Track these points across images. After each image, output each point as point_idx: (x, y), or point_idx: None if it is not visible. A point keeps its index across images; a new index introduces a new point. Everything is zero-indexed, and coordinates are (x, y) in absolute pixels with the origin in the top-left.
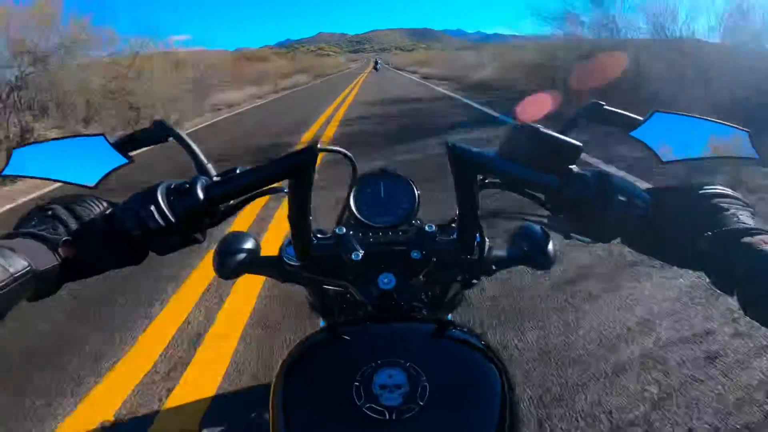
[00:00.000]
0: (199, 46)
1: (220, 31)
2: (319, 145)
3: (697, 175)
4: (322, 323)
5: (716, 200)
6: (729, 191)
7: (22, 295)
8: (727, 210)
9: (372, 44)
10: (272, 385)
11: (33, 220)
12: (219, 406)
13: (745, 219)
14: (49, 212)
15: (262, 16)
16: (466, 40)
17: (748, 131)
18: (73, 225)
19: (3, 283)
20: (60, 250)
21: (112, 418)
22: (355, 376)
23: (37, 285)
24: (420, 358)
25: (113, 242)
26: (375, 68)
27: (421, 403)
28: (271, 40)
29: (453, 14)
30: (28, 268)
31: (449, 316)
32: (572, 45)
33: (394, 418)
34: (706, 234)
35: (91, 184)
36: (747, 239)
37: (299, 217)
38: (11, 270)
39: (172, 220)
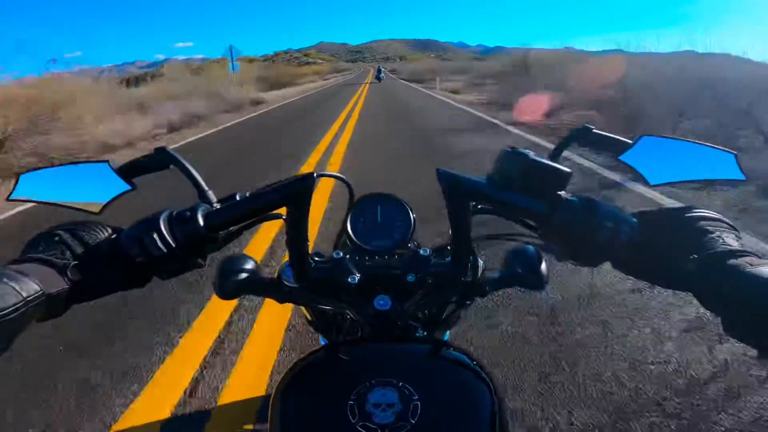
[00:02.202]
0: (201, 54)
1: (222, 42)
2: (317, 173)
3: None
4: (321, 339)
5: (702, 223)
6: (715, 214)
7: (33, 318)
8: (713, 233)
9: (373, 54)
10: (271, 401)
11: (40, 245)
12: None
13: (731, 241)
14: (56, 238)
15: (265, 24)
16: (469, 51)
17: (735, 153)
18: (79, 250)
19: (17, 307)
20: (69, 274)
21: None
22: (350, 395)
23: (48, 307)
24: (412, 378)
25: (118, 267)
26: (377, 78)
27: (413, 422)
28: (270, 49)
29: (454, 27)
30: (40, 292)
31: (447, 334)
32: None
33: None
34: (692, 256)
35: (96, 210)
36: (733, 261)
37: (297, 241)
38: (24, 294)
39: (174, 246)
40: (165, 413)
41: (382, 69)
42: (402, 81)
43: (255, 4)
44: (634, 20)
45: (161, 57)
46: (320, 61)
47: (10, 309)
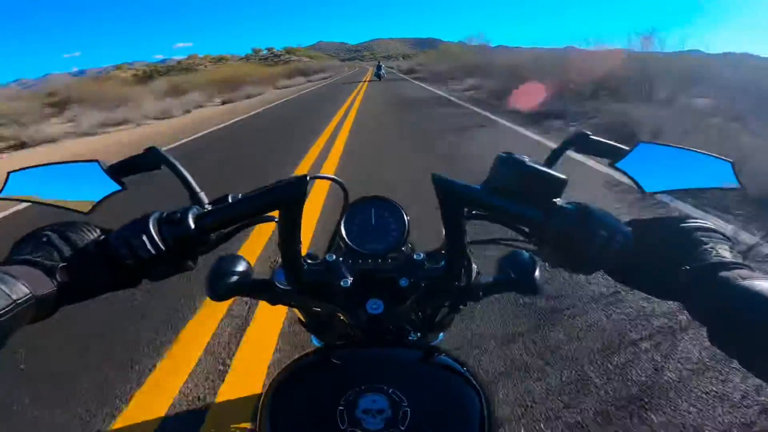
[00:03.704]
0: (200, 53)
1: (220, 39)
2: (310, 175)
3: None
4: (314, 339)
5: (696, 234)
6: (709, 224)
7: (23, 320)
8: (707, 244)
9: (373, 53)
10: (260, 404)
11: (28, 247)
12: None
13: (724, 253)
14: (44, 239)
15: (263, 22)
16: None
17: (731, 161)
18: (68, 251)
19: (6, 309)
20: (57, 276)
21: None
22: (340, 401)
23: (36, 310)
24: (402, 384)
25: (107, 268)
26: (377, 75)
27: (402, 428)
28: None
29: (455, 26)
30: (29, 295)
31: (441, 335)
32: None
33: None
34: (684, 267)
35: (85, 210)
36: (724, 273)
37: (290, 244)
38: (14, 297)
39: (163, 248)
40: None
41: (383, 67)
42: (415, 82)
43: (255, 5)
44: (638, 20)
45: (159, 57)
46: (306, 59)
47: (0, 312)
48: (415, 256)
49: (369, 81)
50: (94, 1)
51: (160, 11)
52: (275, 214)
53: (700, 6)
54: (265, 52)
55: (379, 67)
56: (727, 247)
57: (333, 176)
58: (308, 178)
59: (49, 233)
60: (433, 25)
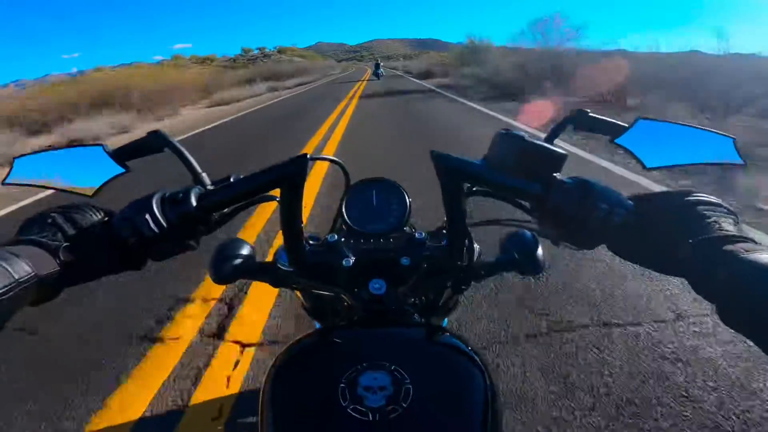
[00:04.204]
0: (199, 53)
1: (220, 41)
2: (310, 155)
3: None
4: (317, 325)
5: (699, 207)
6: (713, 198)
7: (25, 300)
8: (710, 217)
9: (372, 53)
10: (262, 386)
11: (34, 227)
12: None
13: (728, 227)
14: (49, 220)
15: (261, 24)
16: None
17: (733, 137)
18: (72, 232)
19: (8, 288)
20: (60, 255)
21: None
22: (341, 378)
23: (39, 290)
24: (404, 361)
25: (111, 249)
26: (375, 75)
27: (404, 405)
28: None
29: (455, 27)
30: (31, 274)
31: (445, 321)
32: None
33: (377, 419)
34: (688, 241)
35: (89, 193)
36: (728, 247)
37: (291, 224)
38: (16, 276)
39: (166, 228)
40: None
41: (381, 66)
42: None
43: (254, 7)
44: (639, 21)
45: (159, 58)
46: (298, 59)
47: (2, 290)
48: (416, 236)
49: (359, 97)
50: (96, 1)
51: (161, 12)
52: (276, 193)
53: None
54: (255, 51)
55: (377, 66)
56: (731, 220)
57: (333, 158)
58: (308, 157)
59: (54, 215)
60: (433, 26)
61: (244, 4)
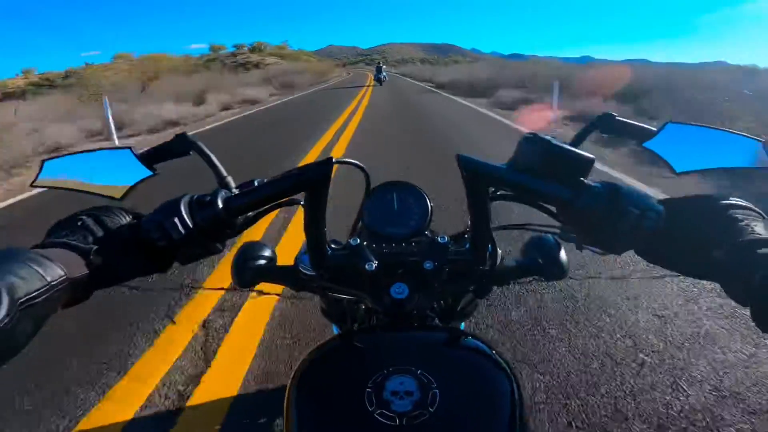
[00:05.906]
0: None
1: (231, 41)
2: (335, 159)
3: None
4: (335, 329)
5: (731, 211)
6: (744, 202)
7: (58, 303)
8: (743, 221)
9: (384, 57)
10: (287, 390)
11: (64, 230)
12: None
13: (761, 230)
14: (79, 222)
15: (273, 26)
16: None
17: (761, 140)
18: (102, 235)
19: (41, 291)
20: (91, 258)
21: None
22: (367, 383)
23: (71, 292)
24: (430, 366)
25: (139, 251)
26: (377, 79)
27: (431, 410)
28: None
29: (468, 33)
30: (63, 277)
31: (462, 325)
32: None
33: (404, 424)
34: (721, 245)
35: (118, 195)
36: (763, 250)
37: (315, 227)
38: (48, 279)
39: (194, 231)
40: None
41: (384, 68)
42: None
43: (262, 9)
44: (650, 30)
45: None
46: (277, 60)
47: (36, 293)
48: (439, 239)
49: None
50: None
51: (180, 11)
52: (300, 197)
53: None
54: (231, 49)
55: (378, 70)
56: (763, 224)
57: (356, 161)
58: (333, 160)
59: (84, 217)
60: (449, 31)
61: (251, 6)
